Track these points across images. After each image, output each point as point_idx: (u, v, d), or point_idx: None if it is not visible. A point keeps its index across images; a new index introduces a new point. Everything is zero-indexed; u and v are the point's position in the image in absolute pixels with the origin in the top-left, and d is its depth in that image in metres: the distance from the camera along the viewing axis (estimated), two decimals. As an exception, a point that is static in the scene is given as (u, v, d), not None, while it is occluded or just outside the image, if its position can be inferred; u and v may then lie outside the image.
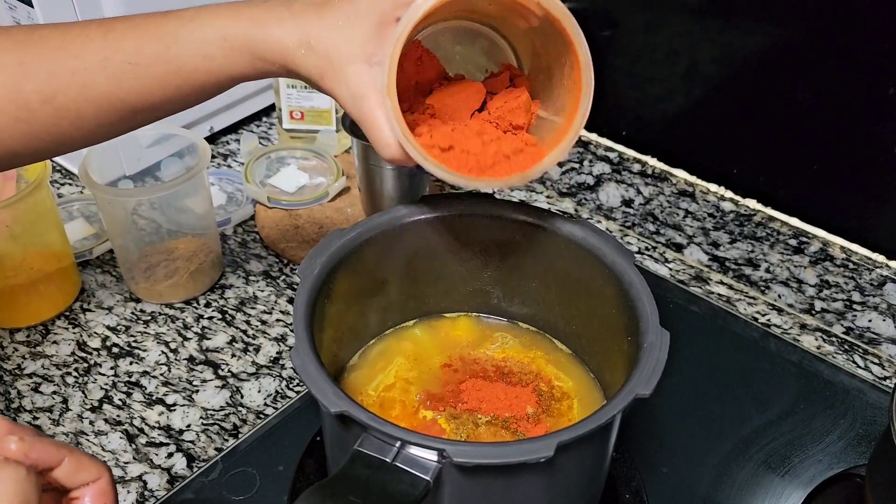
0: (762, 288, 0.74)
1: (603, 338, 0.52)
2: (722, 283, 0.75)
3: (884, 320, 0.67)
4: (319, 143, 0.85)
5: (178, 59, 0.45)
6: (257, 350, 0.68)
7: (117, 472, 0.59)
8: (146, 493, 0.58)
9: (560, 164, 0.83)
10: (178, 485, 0.58)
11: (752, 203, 0.71)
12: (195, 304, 0.72)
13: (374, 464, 0.38)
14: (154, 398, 0.64)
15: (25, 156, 0.48)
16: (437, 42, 0.50)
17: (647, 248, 0.79)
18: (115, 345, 0.68)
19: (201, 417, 0.63)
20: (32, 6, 0.71)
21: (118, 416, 0.63)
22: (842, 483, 0.58)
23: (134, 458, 0.60)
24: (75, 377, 0.66)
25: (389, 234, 0.53)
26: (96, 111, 0.46)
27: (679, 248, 0.78)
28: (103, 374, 0.66)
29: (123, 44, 0.45)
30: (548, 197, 0.85)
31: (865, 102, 0.62)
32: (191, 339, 0.69)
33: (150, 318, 0.71)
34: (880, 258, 0.66)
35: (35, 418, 0.63)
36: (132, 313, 0.71)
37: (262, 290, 0.73)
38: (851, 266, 0.67)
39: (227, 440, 0.61)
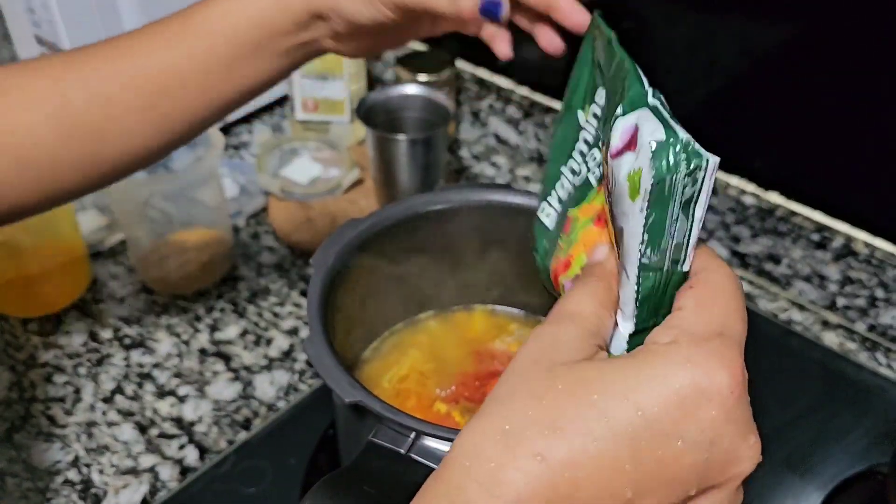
0: (784, 284, 0.72)
1: (622, 331, 0.51)
2: (743, 278, 0.74)
3: (908, 317, 0.66)
4: (333, 133, 0.85)
5: None
6: (269, 343, 0.67)
7: (129, 464, 0.59)
8: (158, 484, 0.57)
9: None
10: (189, 476, 0.57)
11: (774, 196, 0.70)
12: (207, 296, 0.71)
13: (388, 455, 0.38)
14: (166, 390, 0.64)
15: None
16: None
17: (664, 243, 0.78)
18: (127, 336, 0.68)
19: (213, 409, 0.62)
20: (47, -5, 0.71)
21: (130, 407, 0.62)
22: (864, 481, 0.57)
23: (146, 449, 0.60)
24: (87, 367, 0.65)
25: (404, 225, 0.52)
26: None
27: (699, 242, 0.77)
28: (115, 365, 0.65)
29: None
30: (564, 191, 0.84)
31: (890, 94, 0.60)
32: (202, 330, 0.68)
33: (161, 309, 0.70)
34: (905, 253, 0.65)
35: (48, 408, 0.62)
36: (144, 304, 0.71)
37: (275, 283, 0.73)
38: (875, 262, 0.66)
39: (238, 432, 0.61)
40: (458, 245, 0.55)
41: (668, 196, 0.26)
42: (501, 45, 0.47)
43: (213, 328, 0.69)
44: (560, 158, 0.38)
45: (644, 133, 0.27)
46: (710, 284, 0.29)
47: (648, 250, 0.28)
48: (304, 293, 0.72)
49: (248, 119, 0.92)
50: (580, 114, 0.37)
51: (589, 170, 0.36)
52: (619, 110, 0.29)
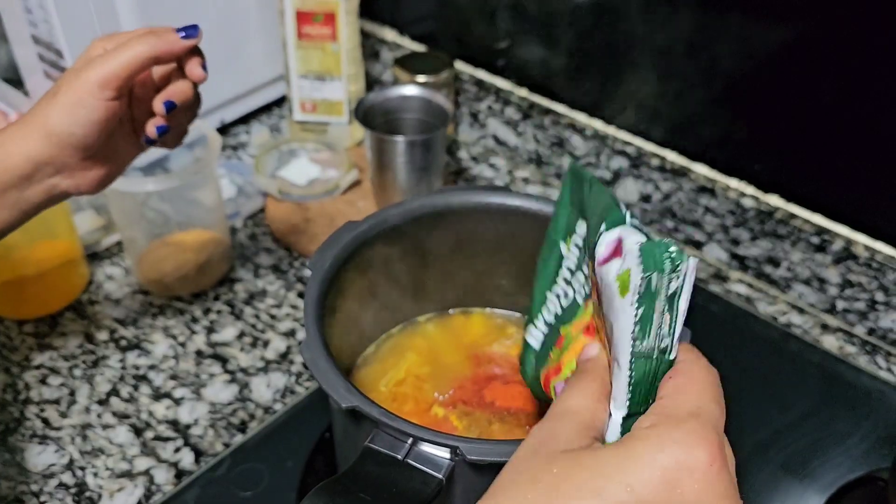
0: (783, 287, 0.72)
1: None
2: (742, 281, 0.74)
3: (908, 321, 0.66)
4: (331, 135, 0.84)
5: None
6: (266, 345, 0.67)
7: (124, 466, 0.58)
8: (153, 487, 0.57)
9: (577, 158, 0.81)
10: (185, 480, 0.57)
11: (774, 199, 0.70)
12: (204, 298, 0.71)
13: (385, 461, 0.37)
14: (162, 392, 0.63)
15: None
16: None
17: (663, 246, 0.78)
18: (123, 337, 0.67)
19: (209, 412, 0.62)
20: None
21: (126, 409, 0.62)
22: (864, 486, 0.57)
23: (141, 452, 0.59)
24: (83, 369, 0.65)
25: (402, 227, 0.52)
26: None
27: (698, 245, 0.76)
28: (111, 367, 0.65)
29: None
30: (562, 192, 0.84)
31: (891, 96, 0.60)
32: (199, 332, 0.68)
33: (158, 310, 0.70)
34: (905, 257, 0.65)
35: (42, 410, 0.62)
36: (140, 306, 0.70)
37: (272, 284, 0.72)
38: (875, 265, 0.66)
39: (234, 435, 0.60)
40: (456, 247, 0.55)
41: (656, 291, 0.30)
42: (196, 68, 0.50)
43: (210, 330, 0.68)
44: (545, 284, 0.42)
45: (629, 241, 0.31)
46: (687, 373, 0.32)
47: (639, 341, 0.31)
48: (301, 295, 0.72)
49: (245, 120, 0.91)
50: (562, 244, 0.41)
51: (575, 291, 0.39)
52: (602, 227, 0.33)
